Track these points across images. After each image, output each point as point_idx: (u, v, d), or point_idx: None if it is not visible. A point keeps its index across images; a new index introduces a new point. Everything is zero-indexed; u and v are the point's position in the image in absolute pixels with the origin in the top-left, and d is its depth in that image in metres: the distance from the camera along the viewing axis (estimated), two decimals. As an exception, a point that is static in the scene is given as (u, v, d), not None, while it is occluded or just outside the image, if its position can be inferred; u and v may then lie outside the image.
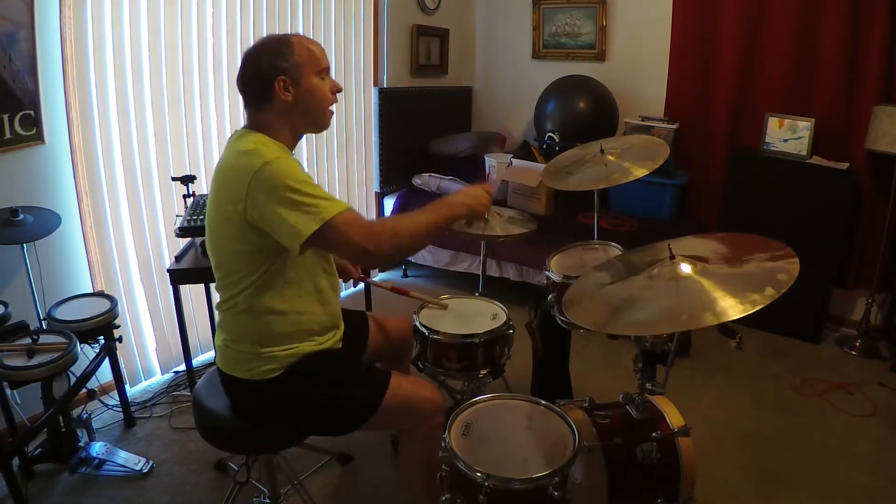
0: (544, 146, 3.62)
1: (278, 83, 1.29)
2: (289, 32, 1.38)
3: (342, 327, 1.54)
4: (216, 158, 1.35)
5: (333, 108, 1.42)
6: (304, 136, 1.48)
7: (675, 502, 1.38)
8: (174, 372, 2.61)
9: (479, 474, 1.12)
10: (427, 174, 3.63)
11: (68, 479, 1.92)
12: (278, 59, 1.30)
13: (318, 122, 1.40)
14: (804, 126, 2.93)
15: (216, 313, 1.45)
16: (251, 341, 1.34)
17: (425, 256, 3.55)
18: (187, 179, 2.19)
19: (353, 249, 1.21)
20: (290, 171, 1.20)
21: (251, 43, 2.67)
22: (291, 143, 1.38)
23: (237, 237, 1.25)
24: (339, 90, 1.41)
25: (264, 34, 2.76)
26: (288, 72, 1.30)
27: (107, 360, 2.10)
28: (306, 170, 3.34)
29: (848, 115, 2.97)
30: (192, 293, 2.57)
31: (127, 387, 2.31)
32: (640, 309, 1.18)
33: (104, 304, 2.05)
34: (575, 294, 1.36)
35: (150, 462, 2.00)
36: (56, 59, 2.04)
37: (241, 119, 2.74)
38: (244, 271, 1.29)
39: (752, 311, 1.02)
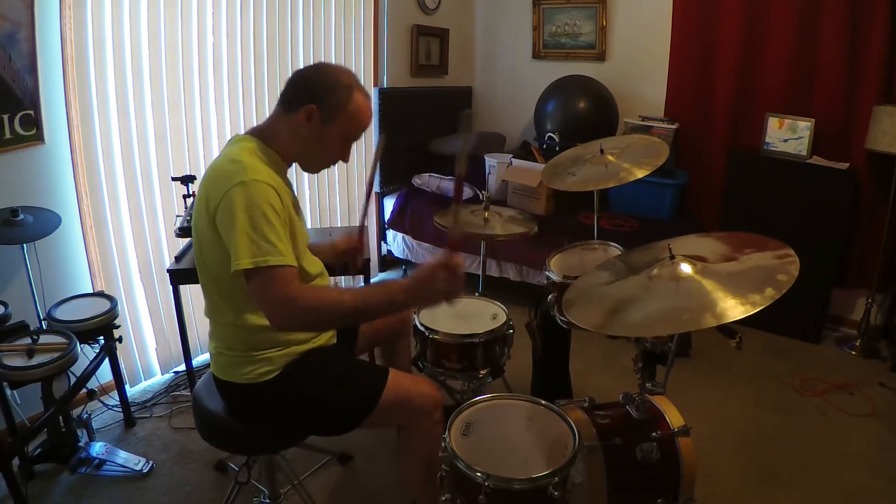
0: (544, 146, 3.62)
1: (309, 108, 1.28)
2: (363, 87, 1.34)
3: None
4: (216, 158, 1.38)
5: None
6: None
7: (675, 502, 1.38)
8: (174, 372, 2.61)
9: (479, 474, 1.12)
10: (427, 174, 3.63)
11: (68, 479, 1.92)
12: (330, 93, 1.28)
13: (309, 164, 1.40)
14: (804, 126, 2.93)
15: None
16: (243, 348, 1.34)
17: (425, 256, 3.55)
18: (187, 179, 2.19)
19: (265, 306, 1.18)
20: (261, 199, 1.18)
21: (251, 43, 2.71)
22: (287, 161, 1.37)
23: (214, 239, 1.24)
24: (345, 161, 1.41)
25: (265, 34, 2.79)
26: (324, 109, 1.28)
27: (107, 360, 2.10)
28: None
29: (848, 115, 2.97)
30: (192, 293, 2.57)
31: (127, 387, 2.31)
32: (639, 309, 1.18)
33: (104, 304, 2.05)
34: (575, 294, 1.36)
35: (150, 462, 2.00)
36: (56, 59, 2.04)
37: (242, 119, 2.77)
38: (224, 287, 1.29)
39: (752, 312, 1.02)
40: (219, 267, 1.25)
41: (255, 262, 1.15)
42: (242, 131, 1.39)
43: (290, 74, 1.35)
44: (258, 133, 1.35)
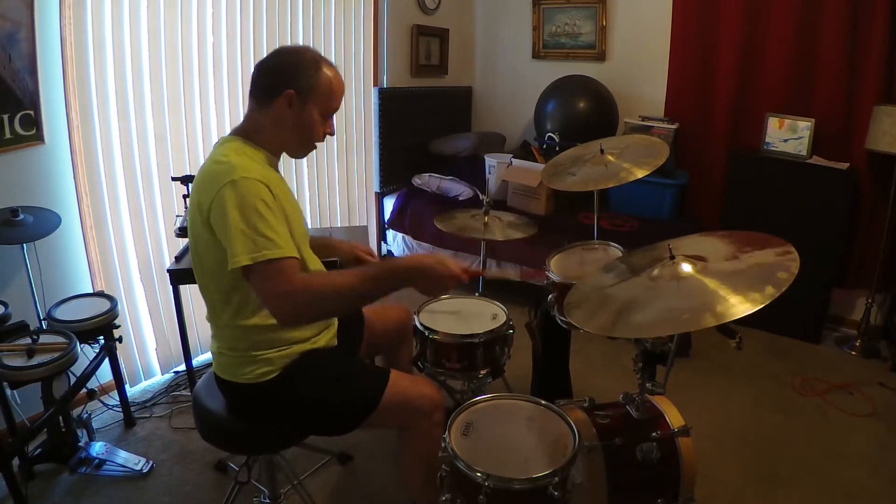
0: (544, 146, 3.62)
1: (288, 94, 1.28)
2: (326, 59, 1.35)
3: (336, 323, 1.54)
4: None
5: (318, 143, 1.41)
6: None
7: (675, 502, 1.38)
8: (174, 372, 2.61)
9: (479, 474, 1.12)
10: (427, 174, 3.63)
11: (68, 479, 1.92)
12: (300, 74, 1.29)
13: (297, 149, 1.40)
14: (804, 126, 2.93)
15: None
16: (244, 347, 1.34)
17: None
18: (187, 179, 2.19)
19: (268, 301, 1.18)
20: (253, 195, 1.18)
21: (251, 43, 2.71)
22: (275, 154, 1.38)
23: (210, 240, 1.24)
24: (332, 135, 1.41)
25: (265, 34, 2.79)
26: (300, 91, 1.29)
27: (107, 360, 2.10)
28: (305, 171, 3.33)
29: (848, 115, 2.97)
30: (192, 293, 2.57)
31: (127, 387, 2.31)
32: (641, 311, 1.18)
33: (104, 304, 2.05)
34: (577, 297, 1.36)
35: (150, 462, 2.00)
36: (56, 59, 2.04)
37: (241, 119, 2.75)
38: (222, 288, 1.29)
39: (751, 311, 1.02)
40: (216, 267, 1.25)
41: (254, 258, 1.15)
42: (230, 130, 1.39)
43: None
44: (241, 132, 1.35)
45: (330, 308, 1.28)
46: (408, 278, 1.27)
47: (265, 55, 1.36)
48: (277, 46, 1.40)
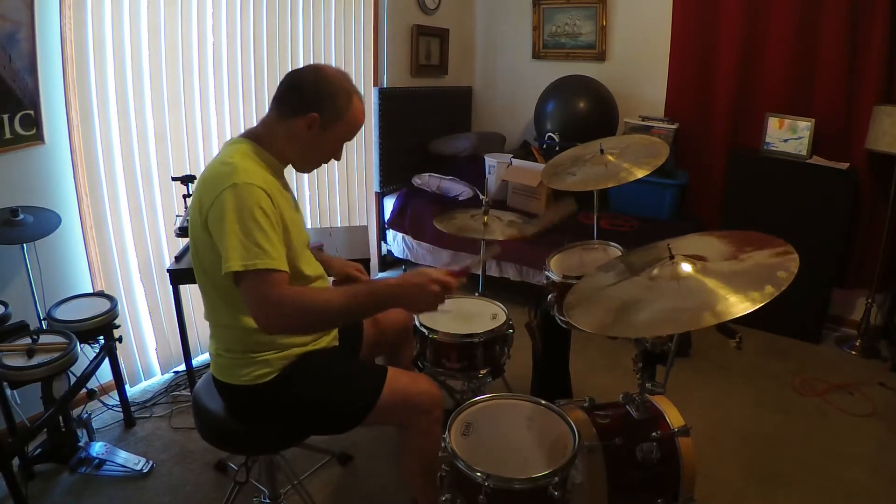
0: (544, 146, 3.62)
1: (311, 117, 1.29)
2: (357, 90, 1.36)
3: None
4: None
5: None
6: None
7: (675, 502, 1.38)
8: (174, 372, 2.61)
9: (479, 474, 1.12)
10: (427, 174, 3.63)
11: (68, 479, 1.92)
12: (330, 102, 1.30)
13: (303, 166, 1.42)
14: (804, 126, 2.93)
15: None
16: (242, 349, 1.35)
17: (425, 256, 3.55)
18: (187, 179, 2.19)
19: (254, 309, 1.17)
20: (252, 202, 1.18)
21: (251, 43, 2.71)
22: (284, 161, 1.38)
23: (208, 241, 1.24)
24: (337, 160, 1.43)
25: (265, 34, 2.79)
26: (325, 116, 1.30)
27: (107, 360, 2.10)
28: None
29: (848, 115, 2.97)
30: (192, 293, 2.57)
31: (127, 387, 2.31)
32: (641, 310, 1.18)
33: (104, 304, 2.05)
34: (576, 296, 1.36)
35: (150, 462, 2.00)
36: (56, 59, 2.04)
37: (242, 119, 2.76)
38: (220, 287, 1.29)
39: (751, 310, 1.02)
40: (215, 268, 1.25)
41: (245, 266, 1.15)
42: (242, 132, 1.39)
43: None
44: (253, 136, 1.35)
45: (314, 323, 1.27)
46: (395, 298, 1.27)
47: (300, 66, 1.36)
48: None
